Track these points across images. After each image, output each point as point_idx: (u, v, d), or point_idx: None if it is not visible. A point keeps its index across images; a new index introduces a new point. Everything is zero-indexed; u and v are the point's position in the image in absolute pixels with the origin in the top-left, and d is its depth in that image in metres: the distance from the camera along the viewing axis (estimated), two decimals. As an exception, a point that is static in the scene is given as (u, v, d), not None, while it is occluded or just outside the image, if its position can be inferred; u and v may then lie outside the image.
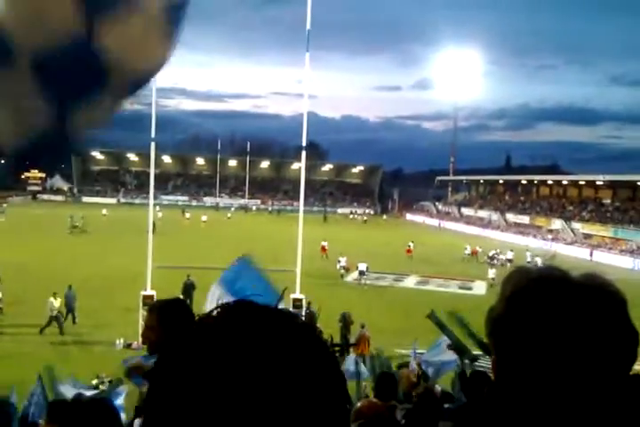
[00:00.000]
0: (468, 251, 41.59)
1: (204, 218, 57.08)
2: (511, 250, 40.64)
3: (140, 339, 2.87)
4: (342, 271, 31.52)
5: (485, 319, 0.83)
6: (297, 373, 0.60)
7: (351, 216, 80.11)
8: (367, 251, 36.97)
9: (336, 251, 35.12)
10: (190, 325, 2.73)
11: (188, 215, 60.66)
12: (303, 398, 0.59)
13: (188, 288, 21.69)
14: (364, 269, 30.17)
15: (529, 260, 38.02)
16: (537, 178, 71.96)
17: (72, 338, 18.15)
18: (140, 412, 2.90)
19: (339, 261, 31.78)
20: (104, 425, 2.04)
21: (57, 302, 18.43)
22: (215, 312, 0.65)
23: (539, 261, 37.65)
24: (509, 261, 38.18)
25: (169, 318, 2.75)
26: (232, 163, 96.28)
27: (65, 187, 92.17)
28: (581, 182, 62.94)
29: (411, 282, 31.57)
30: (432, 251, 42.46)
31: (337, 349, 13.92)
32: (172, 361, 0.62)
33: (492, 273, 30.13)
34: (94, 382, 12.45)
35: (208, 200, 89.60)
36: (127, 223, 44.93)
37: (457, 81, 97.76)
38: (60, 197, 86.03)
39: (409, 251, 39.92)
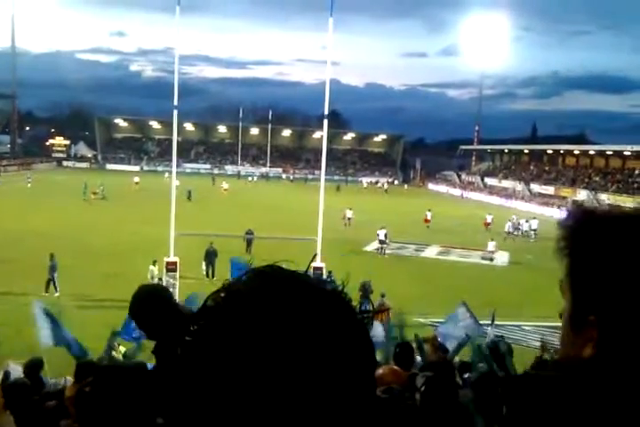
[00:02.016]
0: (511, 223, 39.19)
1: (225, 186, 57.21)
2: (527, 220, 40.18)
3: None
4: (379, 245, 30.08)
5: (570, 265, 0.79)
6: (327, 338, 0.60)
7: (376, 185, 79.50)
8: (387, 220, 36.84)
9: (361, 220, 35.00)
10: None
11: (223, 185, 57.51)
12: (332, 363, 0.60)
13: (210, 255, 22.05)
14: (384, 237, 29.78)
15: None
16: (563, 148, 70.59)
17: (87, 303, 18.42)
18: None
19: (378, 235, 30.09)
20: (135, 392, 2.02)
21: (156, 269, 19.24)
22: (244, 278, 0.65)
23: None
24: (534, 231, 37.75)
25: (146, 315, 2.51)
26: (254, 131, 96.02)
27: (89, 154, 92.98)
28: (609, 153, 61.63)
29: (432, 252, 31.49)
30: (453, 221, 42.15)
31: (366, 316, 13.99)
32: (204, 327, 0.62)
33: (491, 246, 29.69)
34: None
35: (230, 168, 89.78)
36: (154, 191, 45.25)
37: (485, 47, 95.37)
38: (84, 164, 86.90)
39: (426, 220, 39.59)
